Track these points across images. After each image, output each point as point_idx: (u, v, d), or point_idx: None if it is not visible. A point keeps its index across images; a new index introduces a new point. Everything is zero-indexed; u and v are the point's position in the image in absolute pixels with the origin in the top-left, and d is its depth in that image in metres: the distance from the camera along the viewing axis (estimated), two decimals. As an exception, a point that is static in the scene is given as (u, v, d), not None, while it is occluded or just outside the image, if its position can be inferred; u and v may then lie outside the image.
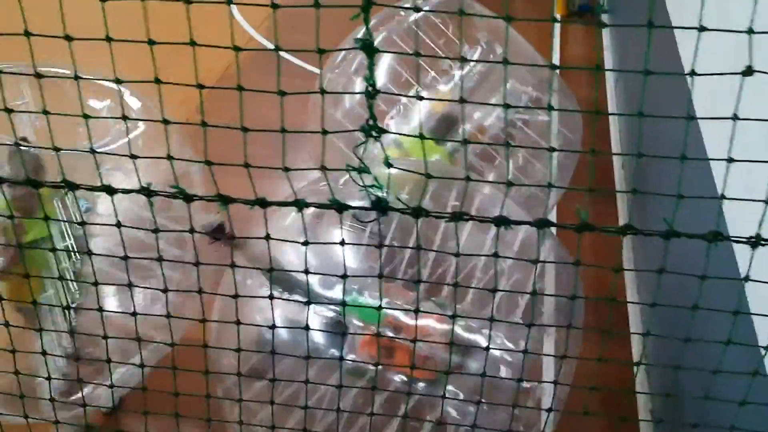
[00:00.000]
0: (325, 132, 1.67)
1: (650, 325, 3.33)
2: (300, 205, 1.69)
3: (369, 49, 1.45)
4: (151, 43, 1.62)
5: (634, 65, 5.27)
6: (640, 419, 3.59)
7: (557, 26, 7.75)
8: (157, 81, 1.64)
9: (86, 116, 1.80)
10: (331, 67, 4.37)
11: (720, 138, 1.55)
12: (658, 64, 1.49)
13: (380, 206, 1.66)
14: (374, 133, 1.54)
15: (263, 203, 1.69)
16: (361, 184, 1.63)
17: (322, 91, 1.73)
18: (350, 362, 2.88)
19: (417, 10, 4.38)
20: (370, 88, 1.49)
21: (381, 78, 4.24)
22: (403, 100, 4.33)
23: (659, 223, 1.56)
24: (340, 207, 1.66)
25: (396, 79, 4.26)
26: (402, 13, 4.42)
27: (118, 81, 1.75)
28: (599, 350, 1.80)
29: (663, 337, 2.28)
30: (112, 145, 3.11)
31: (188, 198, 1.72)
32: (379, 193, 1.67)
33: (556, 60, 7.03)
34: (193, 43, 1.58)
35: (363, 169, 1.62)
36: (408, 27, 4.39)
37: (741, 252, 1.57)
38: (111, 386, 2.38)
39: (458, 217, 1.63)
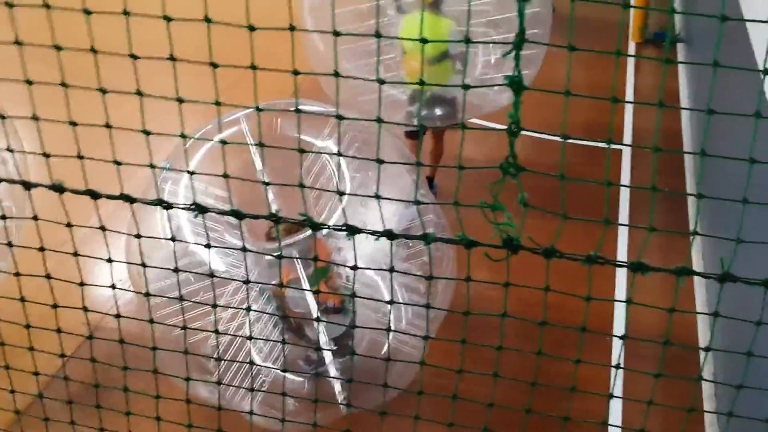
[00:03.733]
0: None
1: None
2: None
3: (517, 86, 1.42)
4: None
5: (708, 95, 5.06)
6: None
7: (632, 51, 7.61)
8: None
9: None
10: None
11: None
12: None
13: (512, 244, 1.61)
14: (512, 171, 1.51)
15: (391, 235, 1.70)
16: (492, 220, 1.58)
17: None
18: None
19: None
20: (513, 126, 1.45)
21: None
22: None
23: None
24: (469, 244, 1.63)
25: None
26: None
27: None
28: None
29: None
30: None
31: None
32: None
33: (630, 88, 6.88)
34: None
35: (497, 206, 1.58)
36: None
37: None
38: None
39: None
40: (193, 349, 2.33)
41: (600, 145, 5.06)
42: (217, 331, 2.07)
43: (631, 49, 7.79)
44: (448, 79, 4.63)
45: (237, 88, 1.74)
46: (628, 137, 5.91)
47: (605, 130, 1.70)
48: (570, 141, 1.57)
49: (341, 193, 1.71)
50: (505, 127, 1.46)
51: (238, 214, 1.76)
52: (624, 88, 6.77)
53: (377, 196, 1.69)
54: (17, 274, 2.10)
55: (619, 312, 4.22)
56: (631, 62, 7.26)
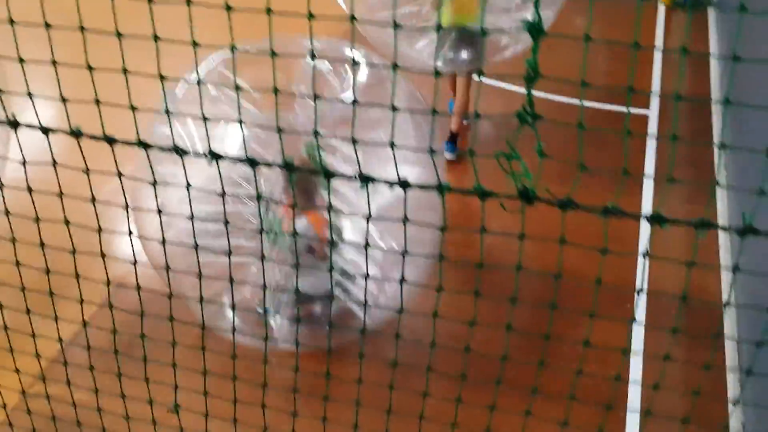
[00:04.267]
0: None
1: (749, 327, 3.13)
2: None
3: (537, 31, 1.40)
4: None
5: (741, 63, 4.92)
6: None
7: (662, 15, 7.46)
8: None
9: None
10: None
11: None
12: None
13: (527, 196, 1.58)
14: (529, 119, 1.49)
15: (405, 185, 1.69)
16: (508, 170, 1.56)
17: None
18: None
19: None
20: (530, 72, 1.42)
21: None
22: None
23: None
24: (483, 194, 1.61)
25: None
26: None
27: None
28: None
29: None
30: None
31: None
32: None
33: (659, 53, 6.76)
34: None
35: (513, 156, 1.55)
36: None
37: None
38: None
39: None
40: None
41: (622, 109, 4.99)
42: (231, 280, 2.08)
43: (661, 12, 7.64)
44: (476, 13, 4.68)
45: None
46: (654, 102, 5.81)
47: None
48: (589, 106, 1.54)
49: (354, 141, 1.69)
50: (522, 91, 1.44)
51: (252, 162, 1.75)
52: (652, 51, 6.65)
53: (392, 144, 1.67)
54: (36, 220, 2.12)
55: (640, 274, 4.20)
56: (660, 26, 7.13)
